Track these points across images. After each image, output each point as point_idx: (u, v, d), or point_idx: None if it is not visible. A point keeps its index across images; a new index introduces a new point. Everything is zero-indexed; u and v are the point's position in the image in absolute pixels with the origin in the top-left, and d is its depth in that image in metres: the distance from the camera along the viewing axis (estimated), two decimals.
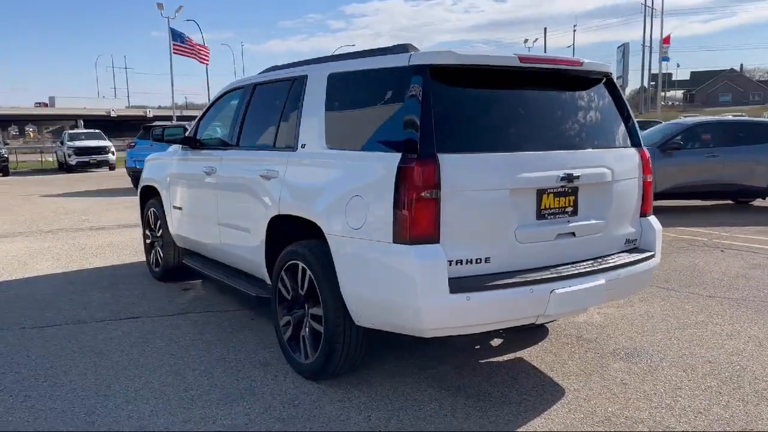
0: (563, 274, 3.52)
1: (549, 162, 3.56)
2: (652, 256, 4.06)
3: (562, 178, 3.56)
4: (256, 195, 4.57)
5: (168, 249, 6.44)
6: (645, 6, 44.90)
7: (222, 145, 5.54)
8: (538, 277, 3.42)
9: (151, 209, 6.71)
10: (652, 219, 4.20)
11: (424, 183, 3.19)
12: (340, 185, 3.70)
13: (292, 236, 4.22)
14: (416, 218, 3.20)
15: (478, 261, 3.36)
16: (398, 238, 3.28)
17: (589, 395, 3.77)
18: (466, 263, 3.32)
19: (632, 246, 4.09)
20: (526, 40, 71.01)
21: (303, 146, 4.15)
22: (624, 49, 46.05)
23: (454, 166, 3.27)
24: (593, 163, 3.78)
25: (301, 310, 4.13)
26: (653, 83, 47.26)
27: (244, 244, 4.80)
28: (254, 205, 4.58)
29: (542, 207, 3.55)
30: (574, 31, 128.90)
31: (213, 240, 5.43)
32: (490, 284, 3.30)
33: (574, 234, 3.70)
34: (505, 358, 4.41)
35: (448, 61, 3.42)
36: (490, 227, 3.41)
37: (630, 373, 4.09)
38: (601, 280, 3.61)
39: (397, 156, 3.32)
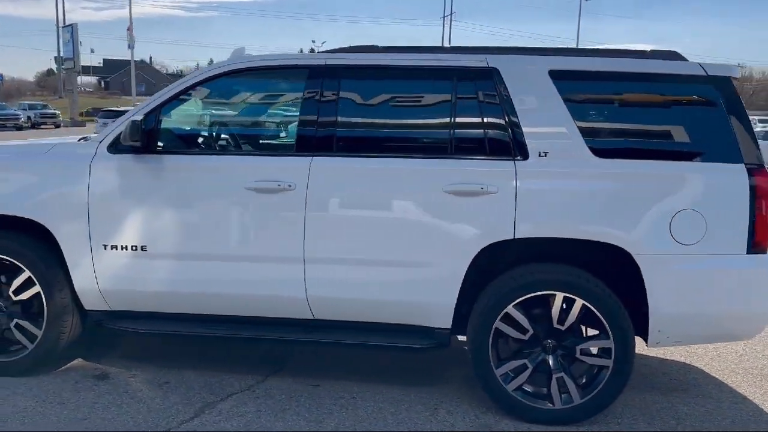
0: None
1: None
2: None
3: None
4: (441, 218, 3.48)
5: (61, 320, 3.86)
6: None
7: (276, 149, 3.81)
8: None
9: None
10: None
11: None
12: (649, 199, 3.38)
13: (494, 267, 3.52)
14: None
15: None
16: (755, 247, 3.34)
17: None
18: None
19: None
20: None
21: (543, 155, 3.46)
22: (73, 29, 43.60)
23: None
24: None
25: (543, 350, 3.51)
26: (65, 67, 46.56)
27: (401, 282, 3.55)
28: (438, 232, 3.48)
29: None
30: None
31: (272, 284, 3.67)
32: None
33: None
34: None
35: (730, 74, 3.57)
36: None
37: None
38: None
39: (738, 167, 3.35)
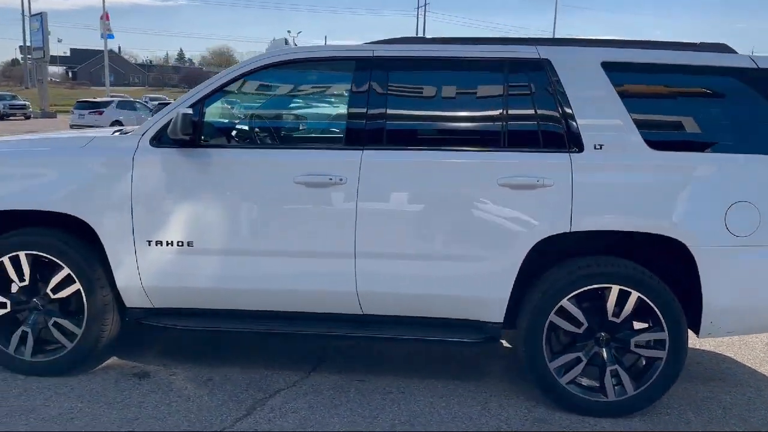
0: None
1: None
2: None
3: None
4: (496, 211, 3.47)
5: (102, 318, 3.77)
6: None
7: (325, 142, 3.77)
8: None
9: (26, 253, 3.73)
10: None
11: None
12: (704, 191, 3.41)
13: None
14: None
15: None
16: None
17: None
18: None
19: None
20: None
21: (598, 147, 3.47)
22: (42, 18, 42.49)
23: None
24: None
25: (597, 343, 3.53)
26: (34, 56, 45.36)
27: (454, 276, 3.53)
28: (493, 225, 3.47)
29: None
30: None
31: (324, 278, 3.62)
32: None
33: None
34: None
35: None
36: None
37: None
38: None
39: None
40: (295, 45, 3.94)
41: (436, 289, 3.56)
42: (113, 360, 4.10)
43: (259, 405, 3.58)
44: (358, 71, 3.64)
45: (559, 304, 3.46)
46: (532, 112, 3.52)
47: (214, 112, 3.89)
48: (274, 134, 4.24)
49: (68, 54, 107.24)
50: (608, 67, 3.52)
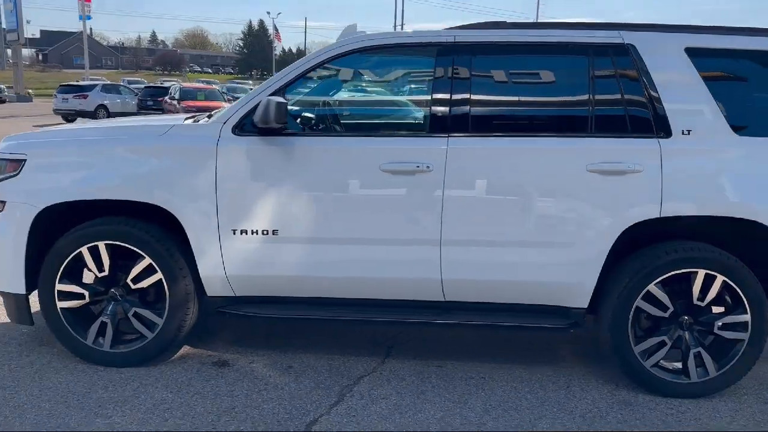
0: None
1: None
2: None
3: None
4: (584, 197, 3.51)
5: (184, 308, 3.74)
6: None
7: (409, 129, 3.73)
8: None
9: (106, 243, 3.68)
10: None
11: None
12: None
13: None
14: None
15: None
16: None
17: None
18: None
19: None
20: None
21: (686, 132, 3.52)
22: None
23: None
24: None
25: (680, 326, 3.61)
26: (8, 39, 44.28)
27: (542, 262, 3.57)
28: (582, 212, 3.51)
29: None
30: None
31: (409, 265, 3.63)
32: None
33: None
34: None
35: None
36: None
37: None
38: None
39: None
40: (362, 32, 3.89)
41: (522, 276, 3.60)
42: (186, 349, 4.08)
43: (347, 391, 3.60)
44: (440, 57, 3.63)
45: (646, 289, 3.51)
46: (618, 97, 3.55)
47: (299, 100, 3.86)
48: (356, 122, 4.23)
49: (38, 36, 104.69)
50: (692, 52, 3.56)
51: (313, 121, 4.13)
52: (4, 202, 3.71)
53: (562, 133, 3.59)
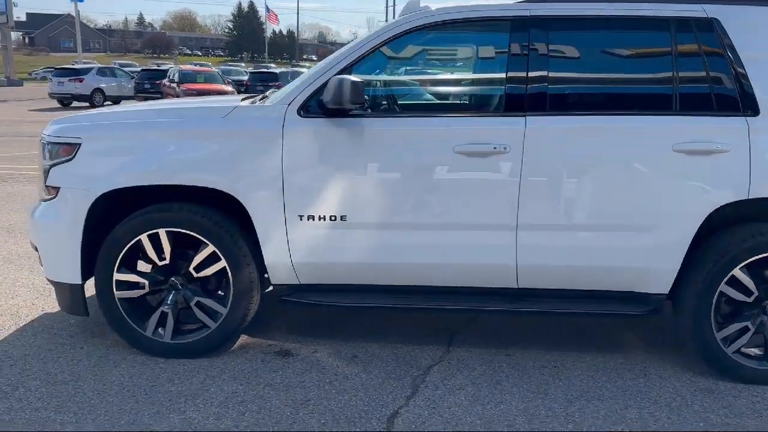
0: None
1: None
2: None
3: None
4: (670, 179, 3.37)
5: (248, 296, 3.59)
6: None
7: (483, 109, 3.59)
8: None
9: (167, 230, 3.52)
10: None
11: None
12: None
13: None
14: None
15: None
16: None
17: None
18: None
19: None
20: None
21: None
22: None
23: None
24: None
25: (763, 312, 3.50)
26: None
27: (623, 247, 3.44)
28: (667, 194, 3.37)
29: None
30: None
31: (486, 251, 3.50)
32: None
33: None
34: None
35: None
36: None
37: None
38: None
39: None
40: (426, 7, 3.71)
41: (601, 261, 3.47)
42: (245, 339, 3.94)
43: (420, 382, 3.48)
44: (514, 32, 3.47)
45: (731, 273, 3.40)
46: (703, 74, 3.40)
47: (366, 80, 3.68)
48: (426, 101, 4.06)
49: (24, 19, 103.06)
50: None
51: (378, 101, 3.97)
52: (57, 188, 3.53)
53: (646, 111, 3.44)
